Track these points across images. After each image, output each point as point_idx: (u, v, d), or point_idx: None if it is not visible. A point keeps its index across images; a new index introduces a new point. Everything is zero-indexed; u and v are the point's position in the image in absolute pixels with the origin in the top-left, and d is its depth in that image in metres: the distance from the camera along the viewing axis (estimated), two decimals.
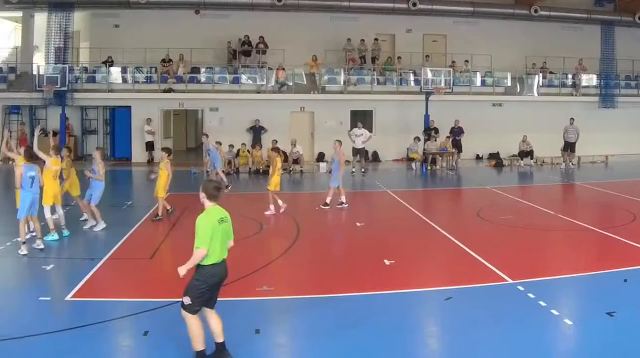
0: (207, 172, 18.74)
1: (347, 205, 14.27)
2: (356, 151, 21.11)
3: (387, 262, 9.37)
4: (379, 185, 18.55)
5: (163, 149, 13.12)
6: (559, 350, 6.41)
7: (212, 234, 5.45)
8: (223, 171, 18.27)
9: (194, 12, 24.21)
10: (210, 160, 17.93)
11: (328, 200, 13.96)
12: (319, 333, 6.66)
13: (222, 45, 24.43)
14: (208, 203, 5.70)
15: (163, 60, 23.48)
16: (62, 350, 6.10)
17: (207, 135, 18.93)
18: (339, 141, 14.47)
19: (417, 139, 23.44)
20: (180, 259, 5.99)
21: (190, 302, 5.50)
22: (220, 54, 24.72)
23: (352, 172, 20.43)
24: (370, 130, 23.14)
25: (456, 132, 23.49)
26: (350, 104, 24.64)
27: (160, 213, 12.46)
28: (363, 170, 21.37)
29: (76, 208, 12.48)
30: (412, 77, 25.52)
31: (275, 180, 13.33)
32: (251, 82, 24.01)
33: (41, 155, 10.42)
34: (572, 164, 23.87)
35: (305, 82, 24.59)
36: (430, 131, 23.34)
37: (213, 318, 5.76)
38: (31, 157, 9.95)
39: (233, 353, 5.87)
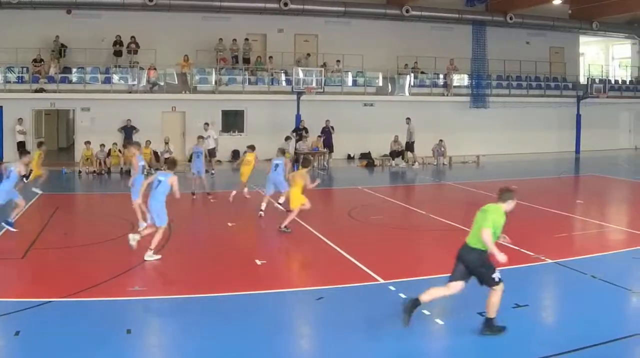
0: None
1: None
2: (212, 152, 27.69)
3: (258, 262, 12.11)
4: (250, 185, 22.04)
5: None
6: (431, 349, 8.27)
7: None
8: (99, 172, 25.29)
9: (66, 12, 32.31)
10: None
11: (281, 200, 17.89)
12: (191, 333, 8.42)
13: (93, 45, 31.51)
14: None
15: (34, 60, 30.20)
16: None
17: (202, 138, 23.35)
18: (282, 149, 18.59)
19: (288, 138, 30.93)
20: (54, 258, 10.04)
21: (496, 274, 8.35)
22: (92, 54, 31.60)
23: (212, 172, 26.31)
24: (242, 130, 32.50)
25: (327, 132, 31.10)
26: (222, 104, 32.17)
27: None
28: (213, 170, 26.87)
29: None
30: (283, 77, 33.39)
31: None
32: (123, 82, 31.07)
33: None
34: (416, 164, 31.55)
35: (176, 82, 31.74)
36: (300, 131, 30.87)
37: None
38: None
39: (102, 352, 7.74)
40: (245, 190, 20.60)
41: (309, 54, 34.62)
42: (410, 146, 31.89)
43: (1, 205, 14.62)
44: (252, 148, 19.86)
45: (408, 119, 31.68)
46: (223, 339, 8.43)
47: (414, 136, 31.86)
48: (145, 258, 12.36)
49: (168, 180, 12.61)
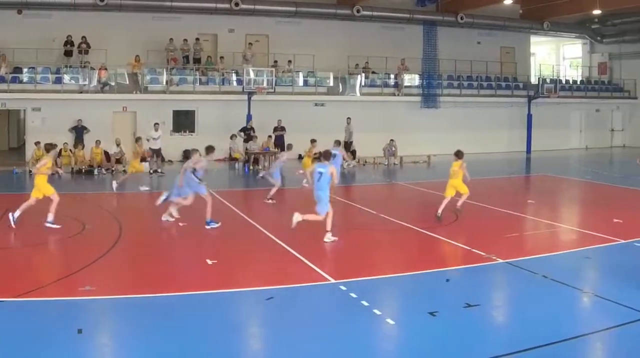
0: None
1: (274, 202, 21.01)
2: (154, 151, 28.98)
3: (209, 262, 12.95)
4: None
5: None
6: (381, 349, 8.88)
7: None
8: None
9: (17, 13, 34.80)
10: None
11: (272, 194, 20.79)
12: (142, 332, 9.09)
13: (44, 45, 33.76)
14: None
15: None
16: None
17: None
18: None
19: (234, 136, 33.79)
20: (2, 259, 10.60)
21: None
22: (43, 54, 33.72)
23: (151, 172, 28.48)
24: (193, 130, 35.55)
25: (279, 132, 33.87)
26: (173, 104, 34.94)
27: None
28: (160, 170, 29.02)
29: None
30: (234, 77, 36.33)
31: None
32: (74, 82, 33.51)
33: None
34: (353, 164, 33.12)
35: (127, 82, 34.37)
36: (249, 131, 33.55)
37: None
38: None
39: (53, 352, 8.28)
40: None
41: (250, 44, 37.44)
42: (348, 146, 33.72)
43: None
44: (315, 141, 24.62)
45: (348, 118, 34.69)
46: (173, 339, 9.11)
47: (353, 136, 35.10)
48: (325, 240, 15.24)
49: (328, 170, 15.20)
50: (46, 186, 16.96)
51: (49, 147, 17.76)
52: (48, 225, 16.52)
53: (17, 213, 16.53)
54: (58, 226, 16.53)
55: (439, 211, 17.93)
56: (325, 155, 15.78)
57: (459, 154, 18.79)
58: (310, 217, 15.40)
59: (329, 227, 15.27)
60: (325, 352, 8.81)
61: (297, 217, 15.28)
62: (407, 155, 35.79)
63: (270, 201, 21.33)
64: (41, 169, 16.94)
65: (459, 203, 18.67)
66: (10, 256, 14.05)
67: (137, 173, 24.96)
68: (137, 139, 25.70)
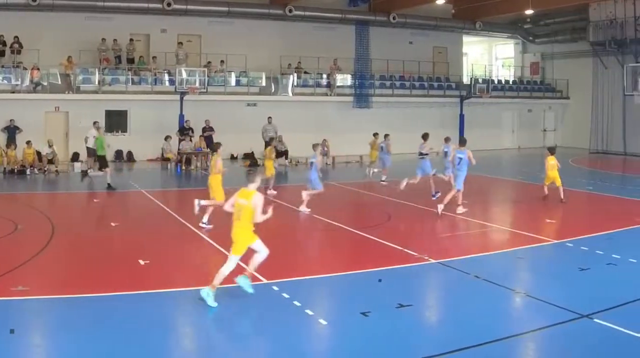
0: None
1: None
2: (91, 151, 30.71)
3: (142, 262, 14.04)
4: (133, 185, 27.77)
5: None
6: (313, 349, 9.82)
7: None
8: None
9: None
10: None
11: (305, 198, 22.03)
12: (75, 332, 9.90)
13: None
14: None
15: None
16: None
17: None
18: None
19: (169, 137, 37.35)
20: None
21: None
22: None
23: (88, 171, 30.25)
24: (125, 130, 39.70)
25: (205, 132, 37.47)
26: (105, 104, 38.33)
27: None
28: (92, 170, 30.28)
29: None
30: (167, 77, 39.96)
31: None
32: (6, 82, 36.51)
33: None
34: (277, 164, 35.89)
35: (60, 82, 37.55)
36: (187, 131, 37.11)
37: None
38: None
39: None
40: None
41: (181, 43, 40.98)
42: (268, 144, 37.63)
43: None
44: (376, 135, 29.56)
45: (269, 118, 37.92)
46: (106, 339, 9.85)
47: (276, 135, 37.44)
48: (458, 212, 20.11)
49: (467, 154, 20.89)
50: None
51: None
52: None
53: None
54: None
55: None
56: (462, 142, 21.96)
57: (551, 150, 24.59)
58: (450, 195, 21.14)
59: (460, 200, 20.92)
60: (257, 352, 9.77)
61: (440, 208, 20.75)
62: (340, 155, 39.12)
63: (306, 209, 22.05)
64: None
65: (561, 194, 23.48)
66: None
67: (270, 176, 26.27)
68: (271, 140, 28.44)
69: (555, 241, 17.48)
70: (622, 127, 47.76)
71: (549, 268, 15.23)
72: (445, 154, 23.70)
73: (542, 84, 55.68)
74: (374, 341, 10.03)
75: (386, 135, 30.80)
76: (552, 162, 23.84)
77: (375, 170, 31.23)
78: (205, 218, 18.88)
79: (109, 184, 27.24)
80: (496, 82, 52.88)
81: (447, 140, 24.52)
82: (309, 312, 11.24)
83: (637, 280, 13.73)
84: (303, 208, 21.81)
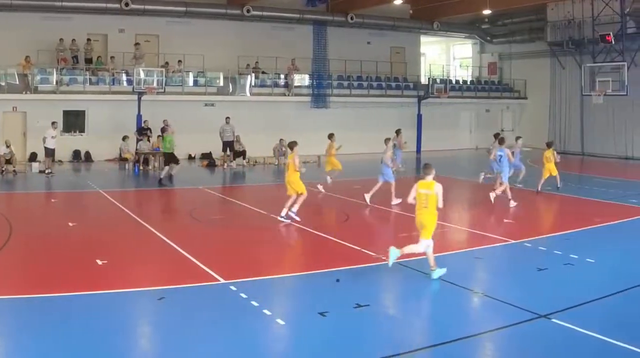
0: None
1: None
2: (49, 151, 32.26)
3: (99, 262, 14.32)
4: (91, 185, 28.36)
5: None
6: (271, 350, 9.99)
7: None
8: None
9: None
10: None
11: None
12: (33, 333, 10.16)
13: None
14: None
15: None
16: None
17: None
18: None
19: (127, 137, 38.61)
20: None
21: None
22: None
23: (49, 172, 31.98)
24: (83, 131, 41.44)
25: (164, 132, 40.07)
26: (63, 104, 39.41)
27: None
28: (51, 170, 32.15)
29: None
30: (124, 77, 41.35)
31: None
32: None
33: None
34: (234, 164, 37.96)
35: (17, 82, 38.56)
36: (145, 131, 38.27)
37: None
38: None
39: None
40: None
41: (138, 43, 42.45)
42: (230, 145, 38.83)
43: None
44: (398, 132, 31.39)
45: (227, 118, 38.91)
46: (63, 339, 10.02)
47: (234, 136, 39.27)
48: (491, 195, 22.73)
49: (506, 152, 23.72)
50: None
51: None
52: None
53: None
54: None
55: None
56: (501, 141, 24.78)
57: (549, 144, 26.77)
58: (499, 190, 23.71)
59: (510, 196, 23.36)
60: (214, 352, 9.87)
61: (496, 194, 23.49)
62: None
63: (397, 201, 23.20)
64: None
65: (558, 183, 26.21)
66: None
67: (335, 169, 27.71)
68: (331, 135, 29.10)
69: (514, 241, 17.89)
70: (579, 127, 49.90)
71: (507, 268, 15.72)
72: (500, 157, 24.71)
73: (500, 84, 57.84)
74: (331, 341, 10.31)
75: (398, 131, 33.96)
76: (548, 154, 26.24)
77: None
78: (295, 208, 20.45)
79: (171, 176, 30.51)
80: (454, 82, 55.01)
81: (501, 142, 25.65)
82: (267, 312, 11.52)
83: (594, 280, 14.17)
84: (395, 201, 23.41)
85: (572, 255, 16.05)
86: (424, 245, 14.03)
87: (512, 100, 56.97)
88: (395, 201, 23.14)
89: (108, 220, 20.92)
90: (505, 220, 21.60)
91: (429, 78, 51.45)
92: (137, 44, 42.33)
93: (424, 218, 14.08)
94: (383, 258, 15.16)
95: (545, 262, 15.54)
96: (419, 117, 49.89)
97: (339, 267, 14.75)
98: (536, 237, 18.33)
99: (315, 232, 19.00)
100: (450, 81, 53.47)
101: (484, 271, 15.73)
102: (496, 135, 27.48)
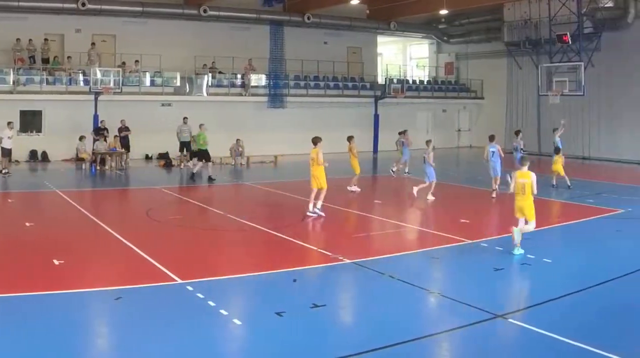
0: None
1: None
2: (6, 151, 33.02)
3: (56, 262, 14.67)
4: (48, 185, 29.04)
5: None
6: (227, 350, 10.33)
7: None
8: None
9: None
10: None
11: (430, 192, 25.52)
12: None
13: None
14: None
15: None
16: None
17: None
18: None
19: (84, 137, 39.65)
20: None
21: None
22: None
23: (5, 172, 32.34)
24: (40, 131, 42.84)
25: (122, 132, 39.97)
26: (20, 104, 40.52)
27: None
28: (7, 170, 32.81)
29: None
30: (81, 77, 42.55)
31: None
32: None
33: None
34: (191, 164, 36.54)
35: None
36: (102, 131, 39.38)
37: None
38: None
39: None
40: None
41: (94, 43, 43.88)
42: (187, 145, 39.52)
43: None
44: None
45: (185, 118, 39.90)
46: (20, 340, 10.17)
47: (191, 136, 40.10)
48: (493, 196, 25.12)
49: (497, 148, 26.17)
50: None
51: None
52: None
53: None
54: None
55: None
56: (491, 138, 26.76)
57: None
58: (495, 184, 25.94)
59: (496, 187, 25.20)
60: (170, 353, 10.03)
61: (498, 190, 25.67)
62: (255, 155, 41.88)
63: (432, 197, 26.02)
64: None
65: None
66: None
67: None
68: (351, 138, 29.98)
69: (470, 241, 18.29)
70: (536, 127, 51.76)
71: (463, 268, 15.97)
72: (493, 153, 26.62)
73: (457, 84, 59.96)
74: (288, 341, 10.58)
75: (404, 131, 36.56)
76: (556, 158, 29.03)
77: (395, 168, 35.00)
78: (319, 205, 22.00)
79: (209, 177, 32.45)
80: (411, 82, 57.08)
81: (491, 139, 27.72)
82: (224, 312, 11.82)
83: (551, 280, 14.56)
84: (430, 197, 25.93)
85: (529, 255, 16.53)
86: (533, 225, 16.69)
87: (469, 100, 59.09)
88: (431, 197, 25.86)
89: (65, 220, 21.43)
90: (462, 220, 21.99)
91: (385, 78, 53.23)
92: (93, 43, 43.96)
93: (523, 204, 16.64)
94: (340, 258, 15.86)
95: (502, 262, 16.05)
96: (376, 117, 51.47)
97: (296, 267, 15.20)
98: (493, 237, 18.93)
99: (272, 232, 19.38)
100: (407, 81, 55.36)
101: (441, 271, 16.12)
102: (491, 137, 28.49)
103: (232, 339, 11.01)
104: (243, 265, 15.89)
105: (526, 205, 16.52)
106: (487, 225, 22.21)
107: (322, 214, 21.80)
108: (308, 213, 21.86)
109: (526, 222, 16.71)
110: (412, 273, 14.88)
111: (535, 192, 16.45)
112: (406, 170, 34.71)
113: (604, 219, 22.44)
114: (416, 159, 32.16)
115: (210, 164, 32.85)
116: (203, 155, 32.90)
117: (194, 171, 33.12)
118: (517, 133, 30.92)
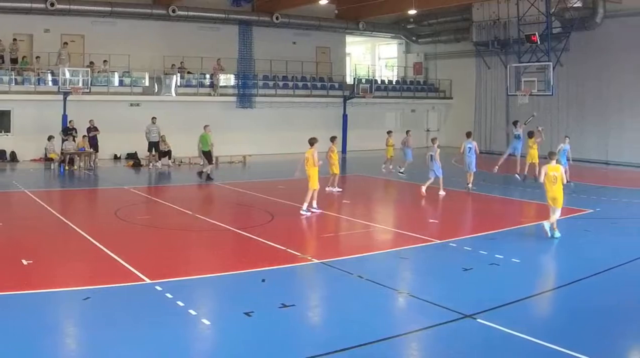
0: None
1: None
2: None
3: (25, 262, 14.94)
4: (16, 185, 29.50)
5: None
6: (196, 350, 10.48)
7: None
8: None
9: None
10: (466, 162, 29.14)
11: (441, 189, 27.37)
12: None
13: None
14: None
15: None
16: None
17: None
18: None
19: (52, 137, 40.57)
20: None
21: None
22: None
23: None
24: (8, 130, 43.73)
25: (90, 132, 41.08)
26: None
27: None
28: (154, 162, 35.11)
29: None
30: (50, 77, 43.33)
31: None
32: None
33: None
34: (160, 164, 39.96)
35: None
36: (71, 131, 40.32)
37: None
38: None
39: None
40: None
41: (66, 43, 44.77)
42: (155, 146, 41.25)
43: None
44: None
45: (153, 118, 41.10)
46: None
47: (159, 136, 41.44)
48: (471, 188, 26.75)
49: (474, 145, 27.95)
50: None
51: None
52: None
53: None
54: None
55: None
56: (468, 135, 29.07)
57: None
58: (470, 178, 27.99)
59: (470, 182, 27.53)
60: (138, 352, 10.19)
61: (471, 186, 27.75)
62: (223, 155, 42.09)
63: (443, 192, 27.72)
64: None
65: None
66: None
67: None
68: (334, 138, 30.39)
69: (439, 241, 18.62)
70: (505, 127, 52.36)
71: (432, 268, 16.26)
72: (469, 149, 28.34)
73: (426, 84, 61.21)
74: (257, 341, 10.77)
75: (407, 131, 38.27)
76: (530, 143, 31.24)
77: (397, 166, 36.46)
78: (314, 204, 23.02)
79: (208, 175, 33.22)
80: (379, 82, 58.25)
81: (468, 135, 29.90)
82: (192, 312, 12.00)
83: (519, 280, 14.92)
84: (442, 193, 27.75)
85: (497, 255, 16.89)
86: (560, 211, 19.16)
87: (438, 100, 60.40)
88: (442, 193, 27.43)
89: (33, 220, 21.66)
90: (431, 220, 22.74)
91: (354, 78, 54.57)
92: (65, 43, 44.91)
93: (557, 193, 19.10)
94: (309, 258, 16.27)
95: (470, 262, 16.32)
96: (345, 117, 52.52)
97: (265, 267, 15.39)
98: (461, 237, 19.33)
99: (241, 232, 19.81)
100: (376, 81, 56.66)
101: (410, 271, 16.38)
102: (468, 134, 30.94)
103: (201, 339, 11.20)
104: (212, 265, 16.23)
105: (559, 194, 19.03)
106: (456, 226, 22.56)
107: (318, 211, 23.10)
108: (302, 213, 22.64)
109: (554, 211, 18.95)
110: (380, 273, 15.19)
111: (565, 182, 19.32)
112: (401, 170, 35.83)
113: (572, 219, 22.65)
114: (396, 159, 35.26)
115: (210, 166, 33.75)
116: (207, 157, 33.71)
117: (207, 172, 33.87)
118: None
